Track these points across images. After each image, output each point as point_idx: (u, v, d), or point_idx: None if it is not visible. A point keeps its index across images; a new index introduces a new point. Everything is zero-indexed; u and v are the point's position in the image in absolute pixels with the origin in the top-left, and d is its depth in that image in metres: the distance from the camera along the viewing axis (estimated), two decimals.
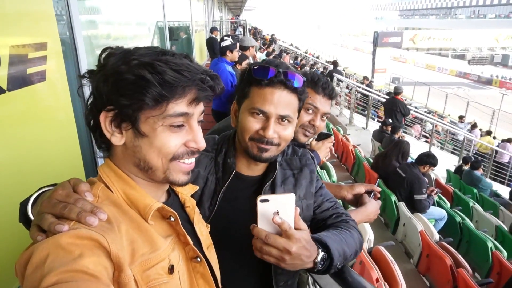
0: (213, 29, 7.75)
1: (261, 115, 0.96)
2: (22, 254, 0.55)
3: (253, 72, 0.96)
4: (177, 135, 0.70)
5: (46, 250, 0.53)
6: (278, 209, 0.78)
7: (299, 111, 1.02)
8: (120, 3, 3.84)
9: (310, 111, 1.46)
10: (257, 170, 1.09)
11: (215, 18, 14.92)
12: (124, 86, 0.65)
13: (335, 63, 12.10)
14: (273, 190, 1.07)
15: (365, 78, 12.77)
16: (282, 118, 0.96)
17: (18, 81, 1.52)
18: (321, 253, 0.86)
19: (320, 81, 1.44)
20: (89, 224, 0.58)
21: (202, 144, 0.73)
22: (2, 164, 1.45)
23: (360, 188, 1.53)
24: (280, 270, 1.06)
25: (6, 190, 1.42)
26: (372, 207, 1.47)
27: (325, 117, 1.52)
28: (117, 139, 0.69)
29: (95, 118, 0.69)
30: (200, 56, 9.50)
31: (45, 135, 1.74)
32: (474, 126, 12.63)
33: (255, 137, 0.97)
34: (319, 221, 1.14)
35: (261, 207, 0.78)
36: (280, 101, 0.95)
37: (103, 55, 0.69)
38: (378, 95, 10.43)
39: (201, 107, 0.73)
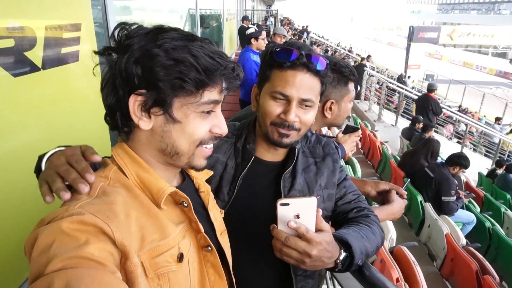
0: (244, 18, 7.74)
1: (282, 98, 0.94)
2: (30, 234, 0.56)
3: (275, 54, 0.94)
4: (206, 121, 0.70)
5: (51, 235, 0.53)
6: (298, 212, 0.77)
7: (321, 95, 1.00)
8: None
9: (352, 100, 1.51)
10: (278, 155, 1.07)
11: (247, 8, 14.85)
12: (162, 70, 0.63)
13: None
14: (293, 177, 1.05)
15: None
16: (303, 102, 0.94)
17: (53, 60, 1.56)
18: (343, 253, 0.84)
19: (355, 72, 1.44)
20: (80, 191, 0.61)
21: (226, 130, 0.74)
22: (34, 144, 1.50)
23: (385, 186, 1.50)
24: None
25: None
26: (398, 205, 1.43)
27: None
28: (145, 124, 0.67)
29: (120, 100, 0.66)
30: (230, 44, 9.50)
31: (76, 115, 1.78)
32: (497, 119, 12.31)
33: (277, 122, 0.96)
34: (340, 213, 1.12)
35: (281, 210, 0.76)
36: (302, 84, 0.93)
37: (121, 33, 0.67)
38: (411, 92, 10.10)
39: (223, 95, 0.73)
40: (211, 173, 0.91)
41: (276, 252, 0.80)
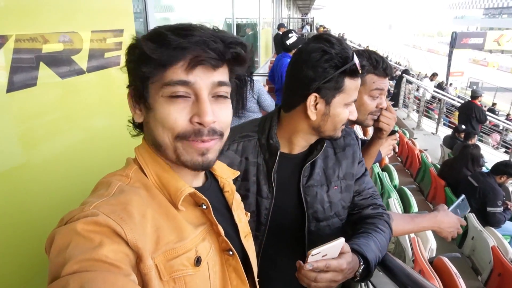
0: (280, 26, 7.79)
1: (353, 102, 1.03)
2: (50, 233, 0.57)
3: (353, 63, 0.96)
4: (178, 107, 0.63)
5: (67, 237, 0.53)
6: (326, 253, 0.83)
7: None
8: (192, 1, 4.01)
9: (377, 96, 1.40)
10: (305, 147, 1.11)
11: (283, 16, 14.95)
12: (129, 58, 0.67)
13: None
14: (312, 167, 1.08)
15: (434, 74, 11.71)
16: None
17: (96, 64, 1.66)
18: (362, 266, 0.93)
19: (379, 63, 1.37)
20: None
21: (206, 118, 0.63)
22: (77, 145, 1.58)
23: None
24: None
25: (79, 177, 1.52)
26: (447, 218, 1.37)
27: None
28: (137, 116, 0.69)
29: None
30: (265, 52, 9.59)
31: (116, 117, 1.87)
32: None
33: (345, 122, 1.04)
34: (355, 207, 1.16)
35: (311, 258, 0.82)
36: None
37: None
38: (453, 99, 9.66)
39: (213, 76, 0.64)
40: (237, 173, 0.90)
41: (303, 283, 0.86)
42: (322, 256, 0.82)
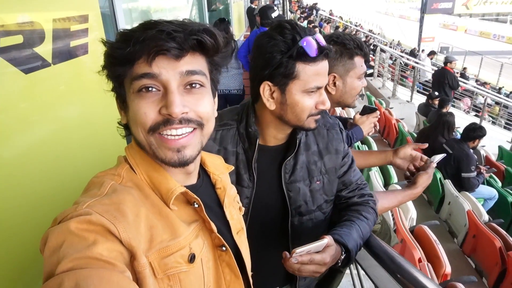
0: None
1: (315, 90, 0.95)
2: (44, 233, 0.56)
3: (298, 47, 0.89)
4: (147, 101, 0.63)
5: (61, 236, 0.53)
6: (311, 250, 0.87)
7: None
8: None
9: (362, 77, 1.41)
10: (281, 139, 1.08)
11: None
12: (104, 62, 0.67)
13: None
14: (295, 163, 1.07)
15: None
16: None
17: (62, 54, 1.54)
18: (344, 254, 0.97)
19: (362, 46, 1.37)
20: None
21: (174, 109, 0.61)
22: (48, 141, 1.49)
23: (406, 150, 1.50)
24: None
25: (52, 172, 1.44)
26: (422, 187, 1.41)
27: None
28: (122, 118, 0.70)
29: None
30: (239, 26, 9.33)
31: (88, 109, 1.77)
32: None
33: (314, 113, 0.97)
34: (342, 198, 1.18)
35: (296, 254, 0.85)
36: (324, 70, 0.95)
37: None
38: (423, 65, 9.81)
39: (180, 66, 0.63)
40: (231, 168, 0.90)
41: (289, 270, 0.88)
42: (307, 252, 0.86)
